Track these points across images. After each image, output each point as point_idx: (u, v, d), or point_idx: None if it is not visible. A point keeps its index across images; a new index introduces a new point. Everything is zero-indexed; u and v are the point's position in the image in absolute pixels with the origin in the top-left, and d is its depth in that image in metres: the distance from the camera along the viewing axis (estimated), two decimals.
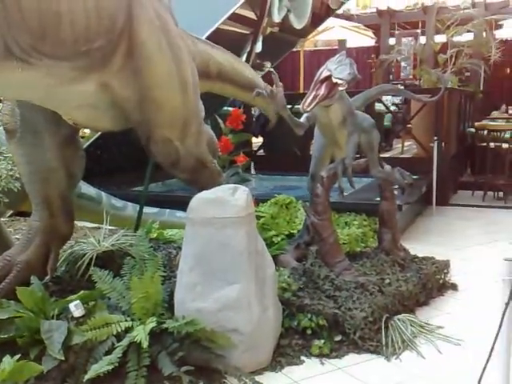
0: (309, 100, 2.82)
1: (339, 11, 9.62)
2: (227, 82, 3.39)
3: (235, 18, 5.75)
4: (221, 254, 2.42)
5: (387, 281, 3.06)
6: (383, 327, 2.75)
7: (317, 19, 7.87)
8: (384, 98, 8.06)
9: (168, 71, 2.66)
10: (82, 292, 2.64)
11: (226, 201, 2.44)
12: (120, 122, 2.79)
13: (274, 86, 2.90)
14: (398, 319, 2.84)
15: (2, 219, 3.78)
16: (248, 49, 6.39)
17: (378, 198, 3.63)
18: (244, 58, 6.44)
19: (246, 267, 2.43)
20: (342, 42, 11.95)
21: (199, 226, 2.46)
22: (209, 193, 2.52)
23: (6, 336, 2.34)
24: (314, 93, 2.83)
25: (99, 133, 4.85)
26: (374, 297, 2.86)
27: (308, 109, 2.86)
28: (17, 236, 4.75)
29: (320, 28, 9.61)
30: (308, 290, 2.90)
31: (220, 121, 3.79)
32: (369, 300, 2.81)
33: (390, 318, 2.82)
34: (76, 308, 2.43)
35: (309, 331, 2.71)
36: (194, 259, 2.46)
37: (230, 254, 2.41)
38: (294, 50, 9.71)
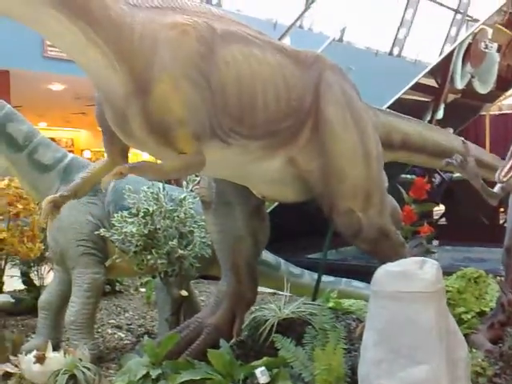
0: (505, 170, 2.66)
1: None
2: (414, 151, 3.34)
3: (416, 86, 5.72)
4: (408, 331, 2.30)
5: None
6: None
7: (504, 83, 7.49)
8: None
9: (352, 145, 2.73)
10: (265, 358, 2.70)
11: (414, 274, 2.35)
12: (303, 194, 2.91)
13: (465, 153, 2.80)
14: None
15: None
16: (429, 117, 6.28)
17: None
18: None
19: (436, 347, 2.27)
20: None
21: (384, 300, 2.39)
22: (394, 265, 2.45)
23: None
24: (510, 163, 2.67)
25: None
26: None
27: (504, 179, 2.70)
28: (201, 298, 5.08)
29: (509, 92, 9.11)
30: (506, 376, 2.63)
31: (402, 190, 3.73)
32: None
33: None
34: (262, 374, 2.48)
35: None
36: (378, 334, 2.38)
37: (417, 331, 2.29)
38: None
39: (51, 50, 10.26)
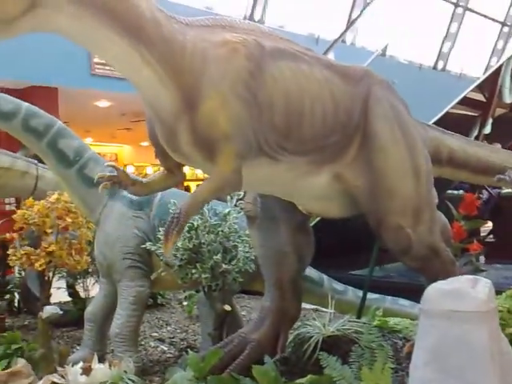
0: None
1: None
2: (459, 167, 3.27)
3: (463, 100, 5.62)
4: (459, 351, 2.23)
5: None
6: None
7: None
8: None
9: (401, 161, 2.69)
10: (309, 376, 2.66)
11: (466, 293, 2.28)
12: (350, 209, 2.87)
13: None
14: None
15: None
16: (476, 132, 6.15)
17: None
18: None
19: (489, 368, 2.19)
20: None
21: (434, 319, 2.32)
22: (445, 283, 2.39)
23: None
24: None
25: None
26: None
27: None
28: (243, 313, 5.06)
29: None
30: None
31: (451, 206, 3.64)
32: None
33: None
34: None
35: None
36: (428, 354, 2.31)
37: (469, 351, 2.21)
38: None
39: (98, 68, 10.56)
